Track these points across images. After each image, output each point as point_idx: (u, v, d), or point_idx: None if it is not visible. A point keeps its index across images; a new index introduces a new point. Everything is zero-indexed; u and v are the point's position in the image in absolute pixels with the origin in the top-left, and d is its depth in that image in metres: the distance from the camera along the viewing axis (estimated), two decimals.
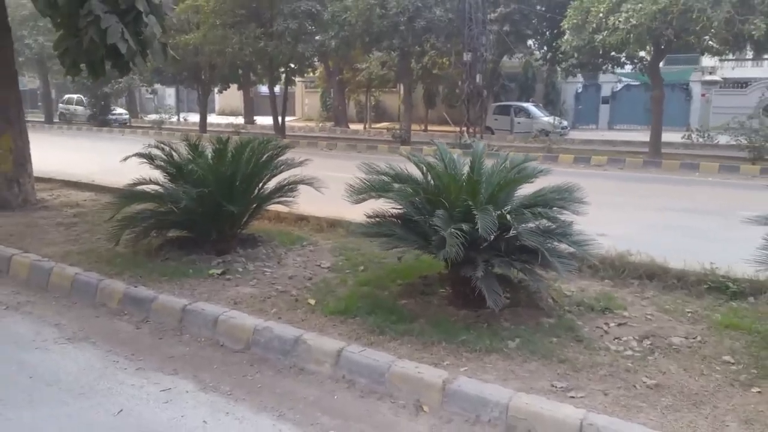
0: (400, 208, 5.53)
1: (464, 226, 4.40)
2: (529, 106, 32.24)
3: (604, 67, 28.14)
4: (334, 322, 4.88)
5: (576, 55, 17.24)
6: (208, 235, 6.71)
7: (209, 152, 6.65)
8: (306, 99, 49.99)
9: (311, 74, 39.06)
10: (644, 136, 29.83)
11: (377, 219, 5.57)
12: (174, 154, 6.54)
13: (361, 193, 5.18)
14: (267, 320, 4.84)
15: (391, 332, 4.60)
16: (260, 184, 6.88)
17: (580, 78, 35.71)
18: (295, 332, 4.57)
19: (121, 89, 31.88)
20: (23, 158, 9.66)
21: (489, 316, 4.87)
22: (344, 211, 8.07)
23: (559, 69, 31.69)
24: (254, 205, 6.90)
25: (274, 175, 6.98)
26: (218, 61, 24.10)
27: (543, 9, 27.58)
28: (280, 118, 25.89)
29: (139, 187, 6.85)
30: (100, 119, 33.33)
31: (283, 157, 6.93)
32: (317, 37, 21.20)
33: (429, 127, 35.30)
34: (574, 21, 16.14)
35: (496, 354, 4.25)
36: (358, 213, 8.02)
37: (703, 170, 15.60)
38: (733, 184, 13.88)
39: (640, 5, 14.28)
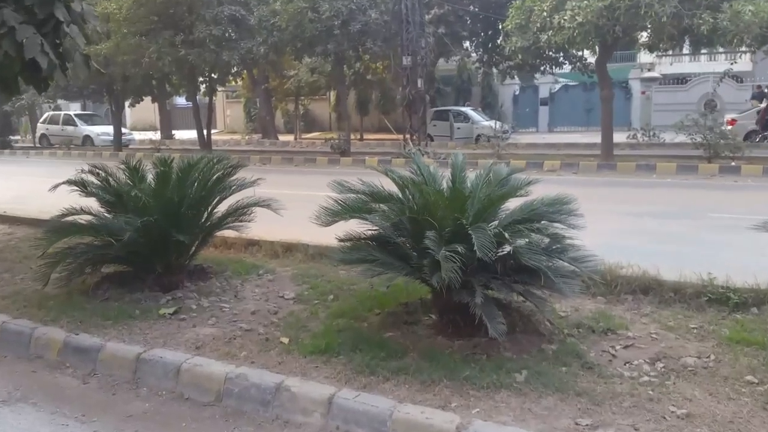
0: (374, 229, 5.31)
1: (459, 248, 4.19)
2: (468, 110, 32.54)
3: (542, 68, 28.94)
4: (315, 363, 4.58)
5: (521, 56, 17.41)
6: (152, 268, 6.30)
7: (150, 176, 6.25)
8: (228, 110, 49.12)
9: (233, 83, 38.47)
10: (586, 137, 30.66)
11: (351, 242, 5.33)
12: (110, 179, 6.10)
13: (336, 215, 4.92)
14: (239, 366, 4.50)
15: (382, 371, 4.33)
16: (209, 209, 6.51)
17: (516, 80, 36.42)
18: (275, 378, 4.26)
19: (22, 106, 30.38)
20: None
21: (486, 345, 4.68)
22: (297, 233, 7.82)
23: (495, 71, 32.30)
24: (203, 233, 6.51)
25: (224, 198, 6.63)
26: (133, 72, 23.28)
27: (477, 10, 27.99)
28: (205, 132, 25.16)
29: (69, 218, 6.38)
30: (0, 141, 31.72)
31: (233, 177, 6.57)
32: (243, 44, 20.69)
33: (365, 136, 35.17)
34: (517, 21, 16.32)
35: (505, 390, 4.05)
36: (314, 235, 7.81)
37: (660, 171, 15.95)
38: (694, 184, 14.25)
39: (585, 2, 14.54)
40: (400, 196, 4.97)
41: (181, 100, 45.78)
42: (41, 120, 36.07)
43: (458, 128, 31.01)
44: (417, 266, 4.81)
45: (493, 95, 38.95)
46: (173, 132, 40.93)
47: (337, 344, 4.79)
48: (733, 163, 16.02)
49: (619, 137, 27.39)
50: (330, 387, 4.12)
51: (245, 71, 26.41)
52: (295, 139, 35.79)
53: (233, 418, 4.14)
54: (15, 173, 20.18)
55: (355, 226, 5.20)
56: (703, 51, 32.99)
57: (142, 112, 45.78)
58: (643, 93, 36.89)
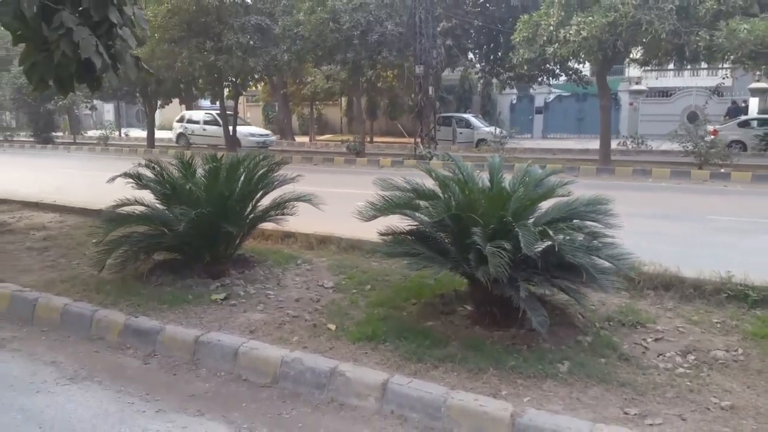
0: (413, 225, 5.18)
1: (506, 244, 4.05)
2: (470, 117, 32.39)
3: (540, 79, 28.78)
4: (364, 349, 4.45)
5: (526, 67, 17.22)
6: (201, 257, 6.16)
7: (200, 171, 6.11)
8: (248, 113, 48.92)
9: (253, 88, 38.28)
10: (579, 144, 30.53)
11: (391, 237, 5.20)
12: (164, 173, 5.96)
13: (382, 210, 4.79)
14: (293, 350, 4.36)
15: (429, 359, 4.20)
16: (254, 202, 6.37)
17: (514, 90, 36.28)
18: (329, 363, 4.12)
19: (64, 106, 30.20)
20: None
21: (525, 336, 4.55)
22: (327, 226, 7.68)
23: (495, 81, 32.13)
24: (249, 225, 6.37)
25: (267, 192, 6.49)
26: (165, 76, 23.08)
27: (481, 24, 27.78)
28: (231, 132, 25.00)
29: (123, 209, 6.25)
30: (43, 137, 31.50)
31: (275, 174, 6.43)
32: (268, 51, 20.50)
33: (374, 139, 35.00)
34: (525, 34, 16.14)
35: (551, 380, 3.91)
36: (342, 228, 7.70)
37: (655, 176, 15.78)
38: (688, 188, 14.08)
39: (589, 18, 14.36)
40: (442, 194, 4.82)
41: (205, 103, 45.57)
42: (177, 118, 31.42)
43: (460, 133, 30.87)
44: (458, 260, 4.68)
45: (492, 103, 38.84)
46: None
47: (383, 332, 4.66)
48: (722, 170, 15.85)
49: (611, 144, 27.35)
50: (383, 372, 3.98)
51: (267, 77, 26.14)
52: (310, 140, 35.57)
53: (290, 399, 4.02)
54: (58, 166, 20.05)
55: (389, 222, 5.08)
56: (687, 67, 32.81)
57: (170, 113, 45.59)
58: (631, 104, 36.73)
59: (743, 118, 25.75)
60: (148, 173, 6.16)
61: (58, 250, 7.59)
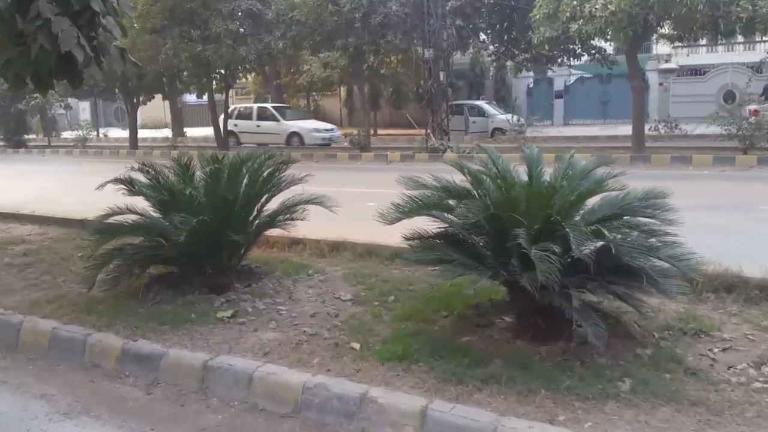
0: (442, 227, 5.05)
1: (554, 247, 3.91)
2: (483, 104, 32.22)
3: (560, 60, 28.55)
4: (395, 370, 4.30)
5: (547, 47, 17.07)
6: (202, 269, 6.04)
7: (199, 174, 5.99)
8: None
9: (244, 80, 38.21)
10: (604, 130, 30.31)
11: (419, 241, 5.07)
12: (160, 178, 5.83)
13: (409, 212, 4.65)
14: (315, 374, 4.23)
15: (471, 380, 4.05)
16: (260, 207, 6.25)
17: (530, 73, 36.05)
18: (358, 388, 3.99)
19: (36, 106, 30.11)
20: None
21: (576, 351, 4.41)
22: (338, 230, 7.54)
23: (510, 64, 31.90)
24: (255, 232, 6.25)
25: (273, 195, 6.36)
26: (148, 69, 22.98)
27: (492, 1, 27.59)
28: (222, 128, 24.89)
29: (114, 219, 6.14)
30: (14, 140, 31.41)
31: (283, 174, 6.30)
32: (261, 39, 20.38)
33: (378, 131, 34.84)
34: (545, 11, 15.97)
35: (613, 401, 3.76)
36: (354, 233, 7.55)
37: (696, 163, 15.61)
38: (734, 176, 13.91)
39: None
40: (476, 192, 4.69)
41: (191, 98, 45.54)
42: (230, 114, 28.03)
43: (474, 122, 30.67)
44: (496, 266, 4.54)
45: (507, 88, 38.58)
46: (184, 129, 40.58)
47: (414, 350, 4.52)
48: None
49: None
50: (420, 398, 3.84)
51: (259, 67, 26.01)
52: None
53: (315, 431, 3.88)
54: (34, 172, 19.96)
55: (412, 225, 4.94)
56: (722, 41, 32.62)
57: (151, 110, 45.54)
58: (661, 84, 36.37)
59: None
60: (141, 178, 6.04)
61: (40, 266, 7.47)
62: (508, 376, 4.05)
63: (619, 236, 4.20)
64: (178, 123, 39.82)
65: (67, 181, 17.27)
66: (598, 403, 3.74)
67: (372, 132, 33.27)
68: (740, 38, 29.36)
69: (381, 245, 7.25)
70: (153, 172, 5.80)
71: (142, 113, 49.81)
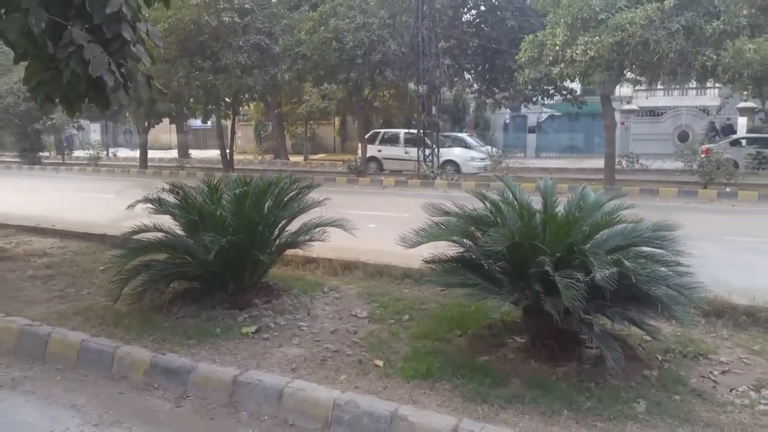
0: (460, 252, 4.87)
1: (579, 274, 3.74)
2: (466, 136, 32.25)
3: (535, 99, 28.74)
4: (421, 389, 4.08)
5: (530, 87, 17.07)
6: (225, 286, 5.79)
7: (226, 196, 5.77)
8: (239, 132, 48.48)
9: (246, 107, 37.92)
10: (573, 163, 30.47)
11: (438, 264, 4.88)
12: (188, 198, 5.59)
13: (435, 237, 4.47)
14: (344, 391, 4.00)
15: (495, 400, 3.85)
16: (281, 228, 6.03)
17: (507, 110, 36.30)
18: (388, 406, 3.76)
19: (53, 126, 29.61)
20: None
21: (590, 372, 4.24)
22: (344, 250, 7.31)
23: (490, 101, 32.08)
24: (277, 251, 6.02)
25: (294, 217, 6.13)
26: (160, 96, 22.65)
27: (477, 44, 27.77)
28: (228, 152, 24.59)
29: (142, 236, 5.89)
30: (30, 157, 30.83)
31: (305, 197, 6.09)
32: (268, 71, 20.21)
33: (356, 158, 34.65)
34: (530, 54, 15.97)
35: (632, 422, 3.58)
36: (363, 252, 7.34)
37: (663, 195, 15.60)
38: (698, 208, 13.88)
39: (596, 38, 14.21)
40: (495, 219, 4.51)
41: (195, 122, 45.13)
42: (368, 137, 25.02)
43: None
44: (516, 290, 4.36)
45: (486, 123, 38.87)
46: (189, 151, 40.18)
47: (436, 368, 4.31)
48: (727, 189, 15.71)
49: (602, 163, 27.16)
50: (449, 417, 3.63)
51: (263, 97, 25.79)
52: (305, 160, 35.28)
53: None
54: (50, 188, 19.51)
55: (426, 249, 4.75)
56: (688, 85, 33.18)
57: (158, 132, 45.09)
58: (622, 124, 36.55)
59: (733, 137, 25.74)
60: (169, 198, 5.80)
61: (63, 278, 7.17)
62: (531, 397, 3.85)
63: (639, 266, 4.02)
64: (183, 145, 39.45)
65: (83, 197, 16.89)
66: (619, 424, 3.56)
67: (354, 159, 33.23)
68: (693, 84, 29.86)
69: (391, 266, 7.05)
70: (182, 193, 5.55)
71: (150, 135, 49.39)
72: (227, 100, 23.99)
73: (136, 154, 38.18)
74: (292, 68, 19.82)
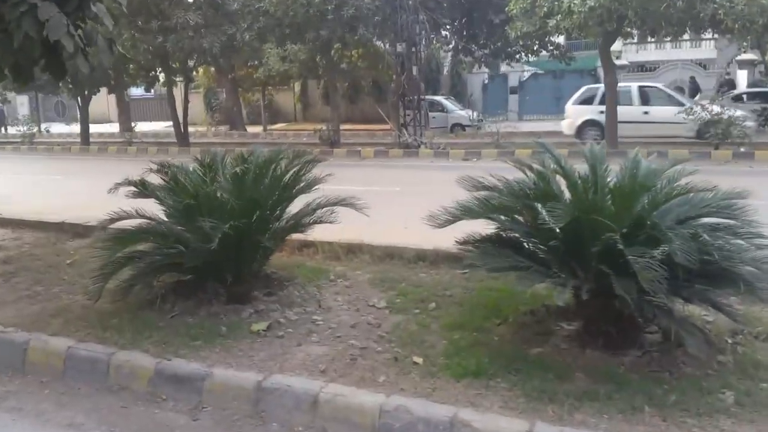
0: (496, 231, 4.76)
1: (656, 252, 3.63)
2: (443, 99, 32.08)
3: (518, 56, 28.72)
4: (474, 388, 3.95)
5: (521, 42, 16.95)
6: (222, 277, 5.57)
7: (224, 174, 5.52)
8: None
9: (194, 72, 37.06)
10: (559, 125, 30.53)
11: (475, 245, 4.75)
12: (179, 179, 5.33)
13: (477, 214, 4.33)
14: (389, 395, 3.85)
15: (564, 398, 3.74)
16: (283, 209, 5.82)
17: (484, 69, 36.16)
18: (444, 410, 3.63)
19: None
20: None
21: (661, 360, 4.16)
22: (350, 233, 7.14)
23: (469, 59, 31.92)
24: (280, 237, 5.81)
25: (295, 196, 5.91)
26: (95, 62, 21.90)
27: None
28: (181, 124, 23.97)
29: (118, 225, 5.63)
30: None
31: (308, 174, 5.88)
32: (225, 29, 19.65)
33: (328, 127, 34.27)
34: (522, 5, 15.81)
35: (724, 416, 3.51)
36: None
37: (674, 158, 15.66)
38: (715, 170, 13.80)
39: None
40: (553, 193, 4.38)
41: (136, 92, 43.95)
42: (578, 98, 20.52)
43: (433, 117, 30.37)
44: (565, 271, 4.26)
45: (462, 84, 38.61)
46: (132, 124, 39.20)
47: (486, 364, 4.18)
48: (742, 149, 15.89)
49: None
50: (518, 420, 3.51)
51: (219, 60, 25.12)
52: (264, 130, 34.74)
53: None
54: None
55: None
56: (666, 39, 33.32)
57: (94, 104, 43.81)
58: None
59: (735, 92, 26.11)
60: (155, 180, 5.53)
61: (27, 274, 6.85)
62: (605, 392, 3.75)
63: (719, 241, 3.94)
64: (125, 118, 38.39)
65: (23, 180, 16.29)
66: (711, 420, 3.48)
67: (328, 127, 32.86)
68: (687, 36, 30.08)
69: (401, 247, 6.90)
70: (172, 173, 5.28)
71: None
72: (176, 65, 23.33)
73: (72, 129, 37.13)
74: (253, 27, 19.30)
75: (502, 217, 4.57)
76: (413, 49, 19.47)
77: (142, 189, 5.43)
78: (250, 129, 35.04)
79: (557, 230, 4.25)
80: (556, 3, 14.89)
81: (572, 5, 14.43)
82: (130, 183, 5.49)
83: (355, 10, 18.11)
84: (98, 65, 7.73)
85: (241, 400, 4.07)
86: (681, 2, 13.52)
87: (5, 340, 4.99)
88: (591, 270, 4.17)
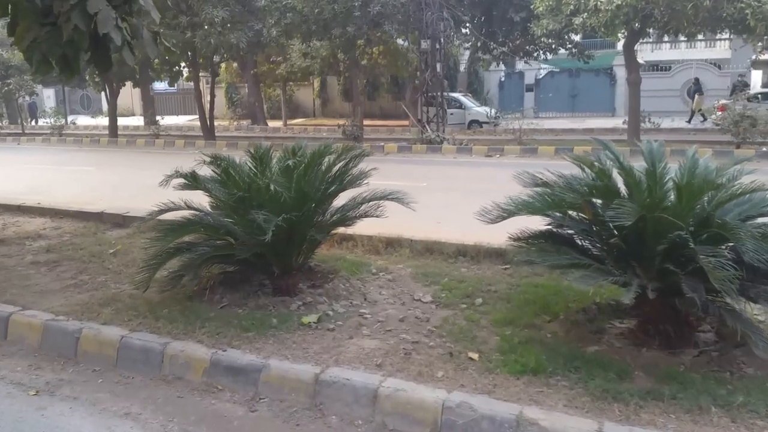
0: (551, 226, 4.64)
1: (725, 251, 3.50)
2: (461, 96, 31.87)
3: (536, 54, 28.42)
4: (535, 386, 3.84)
5: (544, 39, 16.74)
6: (269, 269, 5.48)
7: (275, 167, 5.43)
8: (208, 95, 47.29)
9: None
10: (575, 123, 30.23)
11: (524, 241, 4.63)
12: (231, 171, 5.23)
13: (535, 210, 4.21)
14: (450, 391, 3.74)
15: (629, 397, 3.61)
16: (331, 203, 5.72)
17: (501, 67, 35.90)
18: (509, 408, 3.51)
19: (10, 92, 28.47)
20: None
21: (720, 360, 4.04)
22: (383, 227, 7.01)
23: (487, 57, 31.62)
24: (328, 229, 5.72)
25: (344, 189, 5.80)
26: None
27: None
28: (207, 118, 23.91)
29: (167, 215, 5.54)
30: None
31: (357, 168, 5.77)
32: (252, 25, 19.53)
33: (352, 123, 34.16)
34: (549, 3, 15.60)
35: None
36: (409, 230, 7.01)
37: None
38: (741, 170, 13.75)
39: None
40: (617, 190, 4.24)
41: (159, 86, 44.02)
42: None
43: (451, 114, 30.17)
44: (620, 269, 4.13)
45: (479, 81, 38.38)
46: (158, 118, 39.25)
47: (545, 362, 4.06)
48: (764, 149, 15.64)
49: (611, 122, 27.05)
50: (587, 420, 3.39)
51: (239, 56, 25.00)
52: (285, 125, 34.67)
53: None
54: (14, 161, 18.82)
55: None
56: (682, 39, 32.87)
57: (119, 98, 43.85)
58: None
59: (751, 92, 25.74)
60: (206, 172, 5.44)
61: (71, 263, 6.80)
62: (669, 393, 3.62)
63: None
64: (150, 111, 38.43)
65: (57, 171, 16.29)
66: None
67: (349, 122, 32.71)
68: (701, 36, 29.63)
69: (440, 242, 6.80)
70: (224, 166, 5.18)
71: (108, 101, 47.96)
72: (201, 60, 23.25)
73: (97, 121, 37.23)
74: (280, 23, 19.16)
75: (558, 214, 4.44)
76: (437, 46, 19.25)
77: (193, 181, 5.32)
78: (271, 124, 34.98)
79: (620, 228, 4.14)
80: (582, 1, 14.67)
81: (599, 3, 14.21)
82: (180, 175, 5.39)
83: (381, 6, 17.95)
84: (147, 58, 7.66)
85: (298, 392, 3.98)
86: (708, 2, 13.25)
87: (58, 329, 4.92)
88: (652, 269, 4.04)
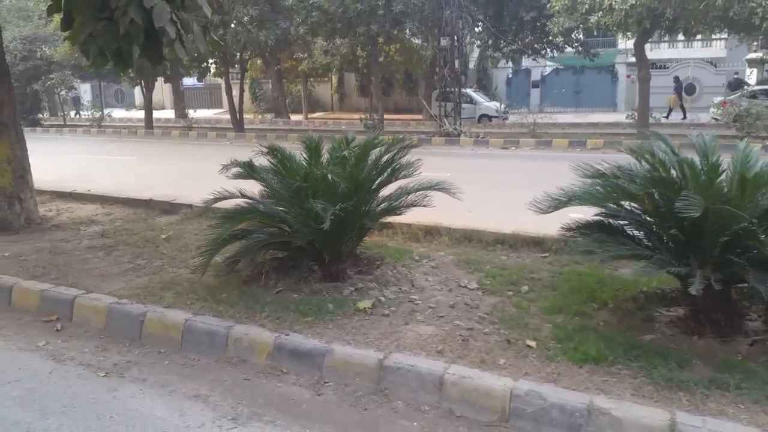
0: (603, 216, 4.42)
1: None
2: (471, 92, 31.53)
3: (543, 52, 28.02)
4: (598, 374, 3.63)
5: (560, 37, 16.41)
6: (320, 256, 5.29)
7: (326, 157, 5.23)
8: (234, 90, 47.07)
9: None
10: (579, 117, 29.86)
11: (578, 231, 4.42)
12: (286, 162, 5.03)
13: (597, 200, 3.99)
14: (516, 379, 3.54)
15: (693, 387, 3.41)
16: (381, 192, 5.52)
17: (509, 63, 35.53)
18: (579, 397, 3.32)
19: (53, 85, 28.31)
20: (23, 169, 7.78)
21: None
22: (416, 216, 6.78)
23: (497, 54, 31.23)
24: (377, 218, 5.52)
25: (391, 181, 5.58)
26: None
27: None
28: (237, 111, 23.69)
29: (222, 203, 5.36)
30: (29, 119, 29.46)
31: (404, 158, 5.56)
32: (279, 24, 19.27)
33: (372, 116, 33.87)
34: (564, 2, 15.26)
35: None
36: (443, 218, 6.80)
37: None
38: None
39: None
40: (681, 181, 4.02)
41: (188, 81, 43.85)
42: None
43: (463, 109, 29.98)
44: (675, 259, 3.93)
45: (488, 78, 38.04)
46: (189, 111, 39.05)
47: (605, 350, 3.85)
48: None
49: (613, 117, 26.71)
50: (658, 409, 3.18)
51: (271, 52, 24.71)
52: (306, 118, 34.42)
53: None
54: (61, 151, 18.64)
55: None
56: (679, 38, 32.32)
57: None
58: (628, 77, 36.05)
59: (749, 89, 25.27)
60: (262, 162, 5.25)
61: (126, 248, 6.63)
62: (734, 382, 3.41)
63: None
64: (181, 105, 38.26)
65: (101, 160, 16.16)
66: None
67: (369, 116, 32.43)
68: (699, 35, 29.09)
69: (479, 230, 6.58)
70: (280, 156, 4.98)
71: (140, 96, 47.81)
72: (240, 55, 22.96)
73: (131, 114, 37.13)
74: (307, 21, 18.87)
75: (612, 205, 4.22)
76: (455, 44, 18.93)
77: (249, 171, 5.13)
78: (293, 117, 34.76)
79: (679, 219, 3.92)
80: (598, 1, 14.32)
81: (613, 3, 13.87)
82: (237, 164, 5.20)
83: (403, 5, 17.64)
84: (197, 51, 7.46)
85: (362, 377, 3.80)
86: (720, 1, 12.89)
87: (122, 312, 4.76)
88: (709, 259, 3.83)
